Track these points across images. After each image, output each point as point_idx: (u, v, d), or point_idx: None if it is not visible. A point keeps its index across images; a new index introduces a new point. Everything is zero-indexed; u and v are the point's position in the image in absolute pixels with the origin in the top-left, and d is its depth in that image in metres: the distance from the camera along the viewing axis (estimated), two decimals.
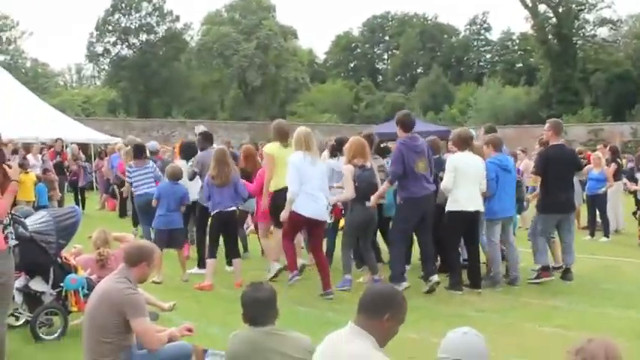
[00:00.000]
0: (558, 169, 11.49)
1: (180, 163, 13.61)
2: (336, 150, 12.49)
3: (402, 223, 10.89)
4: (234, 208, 11.51)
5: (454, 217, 10.85)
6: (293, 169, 10.29)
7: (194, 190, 12.79)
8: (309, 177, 10.30)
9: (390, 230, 11.44)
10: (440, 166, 11.39)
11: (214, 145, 13.41)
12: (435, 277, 10.67)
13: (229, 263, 12.02)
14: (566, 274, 11.67)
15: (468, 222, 10.90)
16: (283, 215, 10.44)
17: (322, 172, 10.64)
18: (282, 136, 11.59)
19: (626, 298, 10.50)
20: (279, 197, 11.00)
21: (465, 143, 11.06)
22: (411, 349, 7.11)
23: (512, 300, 10.33)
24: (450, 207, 10.87)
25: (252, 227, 14.33)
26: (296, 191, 10.23)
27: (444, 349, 3.85)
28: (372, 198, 10.76)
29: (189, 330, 6.52)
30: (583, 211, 18.18)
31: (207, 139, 13.46)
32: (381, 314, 4.13)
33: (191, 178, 12.84)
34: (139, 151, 14.60)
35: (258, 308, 5.09)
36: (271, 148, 11.59)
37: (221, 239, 11.59)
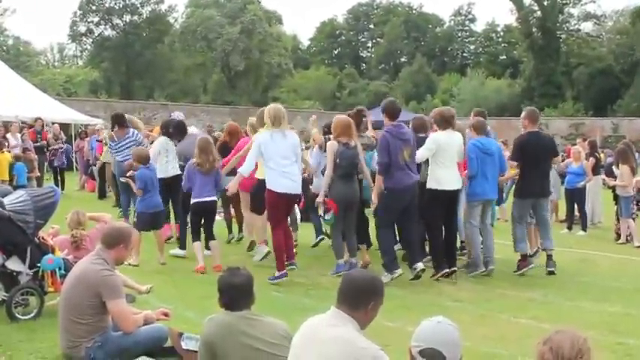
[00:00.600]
0: (534, 155, 11.54)
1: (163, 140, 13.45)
2: (326, 134, 12.50)
3: (385, 212, 10.80)
4: (214, 198, 11.58)
5: (435, 195, 10.88)
6: (255, 148, 10.48)
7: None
8: (279, 152, 10.36)
9: (375, 220, 11.39)
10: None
11: (193, 132, 13.40)
12: (420, 265, 10.62)
13: (207, 247, 12.03)
14: (548, 260, 11.73)
15: (447, 201, 10.96)
16: (231, 186, 10.89)
17: (293, 144, 10.63)
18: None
19: (600, 291, 10.58)
20: (263, 186, 11.04)
21: (447, 122, 11.01)
22: (386, 337, 7.11)
23: (488, 291, 10.38)
24: (430, 185, 10.89)
25: (233, 212, 14.30)
26: (247, 170, 10.60)
27: (417, 338, 3.86)
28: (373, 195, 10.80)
29: (166, 314, 6.54)
30: (561, 204, 18.28)
31: (181, 131, 13.40)
32: (365, 304, 4.18)
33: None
34: (118, 121, 14.49)
35: (234, 293, 5.10)
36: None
37: None
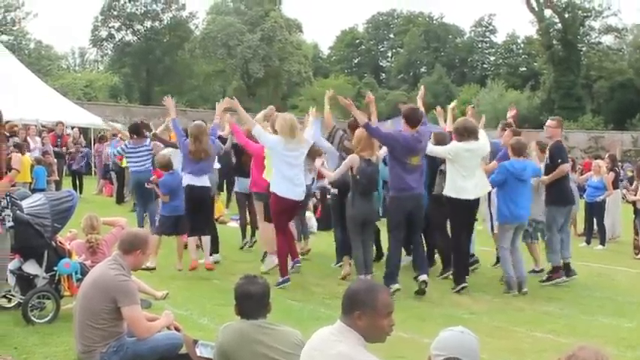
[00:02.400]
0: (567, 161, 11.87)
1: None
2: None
3: (390, 222, 10.74)
4: (208, 184, 11.76)
5: (453, 204, 10.83)
6: (268, 139, 10.69)
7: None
8: (288, 161, 10.46)
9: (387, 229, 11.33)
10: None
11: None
12: (424, 277, 10.54)
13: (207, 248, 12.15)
14: (568, 270, 11.79)
15: (466, 210, 10.93)
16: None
17: (302, 155, 10.74)
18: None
19: (617, 306, 10.51)
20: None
21: (469, 134, 10.84)
22: (401, 348, 7.10)
23: (504, 304, 10.33)
24: (449, 194, 10.82)
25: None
26: (257, 128, 10.82)
27: (439, 347, 3.84)
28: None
29: (177, 329, 6.54)
30: (580, 218, 18.19)
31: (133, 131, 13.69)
32: (351, 313, 4.11)
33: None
34: (136, 129, 14.59)
35: (251, 301, 5.09)
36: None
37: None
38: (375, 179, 11.00)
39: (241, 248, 13.76)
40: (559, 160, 11.74)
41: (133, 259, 6.12)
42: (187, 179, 11.58)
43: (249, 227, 13.96)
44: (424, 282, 10.51)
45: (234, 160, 14.13)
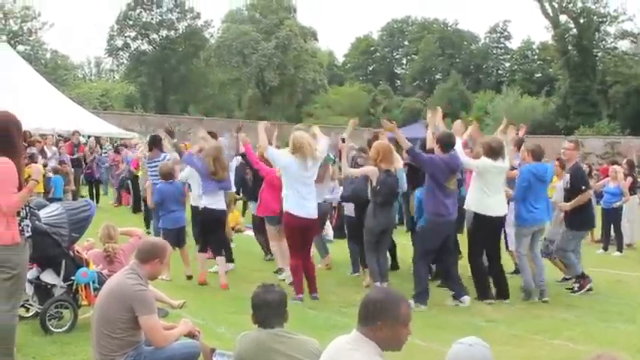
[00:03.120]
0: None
1: None
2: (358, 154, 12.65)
3: (424, 246, 10.74)
4: (224, 208, 11.69)
5: (479, 221, 10.80)
6: (281, 160, 10.55)
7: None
8: (301, 182, 10.37)
9: (414, 249, 11.24)
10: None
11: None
12: (467, 299, 10.53)
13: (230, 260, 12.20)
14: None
15: (492, 227, 10.88)
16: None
17: (313, 174, 10.63)
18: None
19: (635, 313, 10.45)
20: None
21: (495, 154, 10.75)
22: (418, 357, 7.10)
23: (522, 312, 10.29)
24: (476, 210, 10.81)
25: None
26: (270, 150, 10.70)
27: None
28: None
29: (196, 334, 6.54)
30: (597, 224, 18.09)
31: (151, 144, 13.69)
32: (373, 323, 4.11)
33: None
34: (152, 142, 14.62)
35: (268, 310, 5.10)
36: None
37: None
38: (395, 190, 11.03)
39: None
40: (582, 187, 11.64)
41: (150, 268, 6.13)
42: (205, 201, 11.54)
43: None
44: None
45: (248, 177, 14.30)
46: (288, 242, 10.84)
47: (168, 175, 12.09)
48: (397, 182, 11.08)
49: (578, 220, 11.73)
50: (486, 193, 10.69)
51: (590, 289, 11.60)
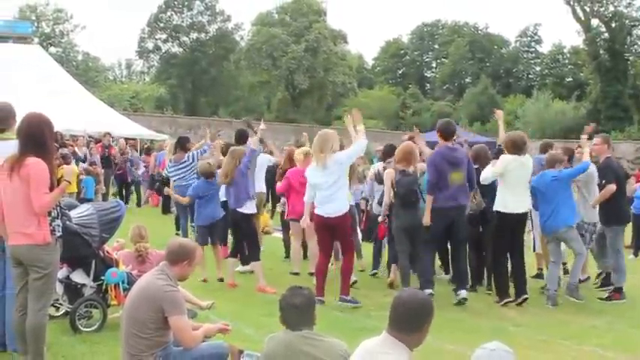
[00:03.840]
0: (621, 179, 11.67)
1: None
2: (386, 156, 12.64)
3: (428, 234, 10.85)
4: (244, 211, 11.53)
5: (502, 219, 10.79)
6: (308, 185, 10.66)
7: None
8: (320, 184, 10.34)
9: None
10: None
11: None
12: (464, 293, 10.64)
13: (244, 263, 12.20)
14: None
15: (515, 225, 10.86)
16: (302, 222, 10.91)
17: (332, 174, 10.41)
18: None
19: None
20: None
21: (517, 149, 10.77)
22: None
23: (550, 316, 10.24)
24: (497, 208, 10.81)
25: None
26: (308, 200, 10.66)
27: None
28: (426, 215, 10.69)
29: (226, 328, 6.56)
30: (627, 229, 17.94)
31: (240, 139, 13.52)
32: (419, 328, 4.16)
33: None
34: (178, 144, 14.81)
35: (295, 313, 5.11)
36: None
37: None
38: (413, 189, 10.99)
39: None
40: (603, 181, 11.59)
41: (179, 270, 6.16)
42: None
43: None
44: (464, 299, 10.61)
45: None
46: (318, 243, 10.89)
47: (207, 174, 12.15)
48: (416, 181, 11.06)
49: (611, 215, 11.64)
50: (509, 190, 10.70)
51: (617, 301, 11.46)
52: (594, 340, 8.93)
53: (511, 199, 10.67)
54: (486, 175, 10.83)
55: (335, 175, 10.26)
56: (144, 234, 9.50)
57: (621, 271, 11.64)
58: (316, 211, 10.43)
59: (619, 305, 11.20)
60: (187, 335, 6.03)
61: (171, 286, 6.02)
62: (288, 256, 14.08)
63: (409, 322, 4.18)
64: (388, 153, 12.57)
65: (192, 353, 6.05)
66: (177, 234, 15.27)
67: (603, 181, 11.55)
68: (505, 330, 9.19)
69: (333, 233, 10.56)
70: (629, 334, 9.43)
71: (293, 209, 12.38)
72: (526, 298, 10.73)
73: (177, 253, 6.19)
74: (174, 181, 14.37)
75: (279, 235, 15.11)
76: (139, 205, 22.29)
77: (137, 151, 27.24)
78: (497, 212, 10.81)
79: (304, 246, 13.34)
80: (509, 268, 11.11)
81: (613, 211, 11.60)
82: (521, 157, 10.76)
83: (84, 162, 20.48)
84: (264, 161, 13.84)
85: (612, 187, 11.40)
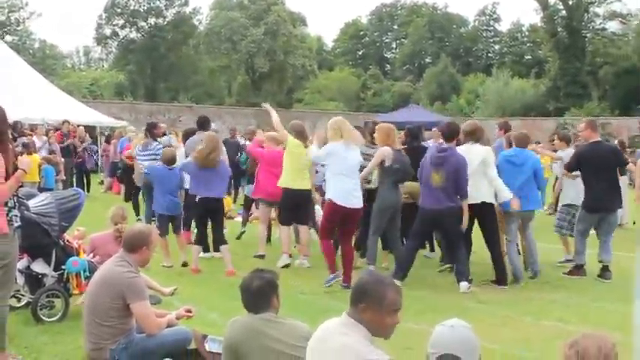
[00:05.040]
0: (593, 166, 11.43)
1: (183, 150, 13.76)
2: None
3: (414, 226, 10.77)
4: (220, 196, 11.58)
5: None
6: (323, 152, 10.48)
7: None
8: (347, 167, 10.28)
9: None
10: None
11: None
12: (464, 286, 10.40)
13: (216, 249, 12.16)
14: (604, 272, 11.65)
15: (475, 214, 10.80)
16: None
17: (355, 160, 10.50)
18: (303, 138, 11.73)
19: (625, 293, 10.42)
20: (292, 197, 11.18)
21: (469, 136, 10.85)
22: (410, 339, 7.11)
23: (512, 293, 10.32)
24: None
25: (255, 214, 14.41)
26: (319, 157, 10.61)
27: (433, 344, 3.84)
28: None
29: (189, 311, 6.56)
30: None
31: (201, 125, 13.52)
32: (356, 304, 4.13)
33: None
34: (146, 132, 14.80)
35: (256, 296, 5.10)
36: (294, 144, 11.71)
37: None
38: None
39: (238, 238, 14.21)
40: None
41: (139, 256, 6.14)
42: (200, 191, 11.50)
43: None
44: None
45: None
46: (322, 228, 10.75)
47: (170, 161, 12.06)
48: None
49: (585, 201, 11.69)
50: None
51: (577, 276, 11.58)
52: (555, 315, 9.03)
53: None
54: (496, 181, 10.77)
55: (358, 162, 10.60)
56: (125, 215, 9.49)
57: (579, 251, 11.78)
58: (341, 202, 10.26)
59: (580, 280, 11.33)
60: (150, 321, 6.02)
61: (132, 273, 6.00)
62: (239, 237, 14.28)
63: (352, 298, 4.18)
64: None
65: (154, 339, 6.04)
66: (138, 219, 15.23)
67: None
68: (468, 307, 9.26)
69: (348, 221, 10.60)
70: (589, 308, 9.54)
71: (264, 189, 12.35)
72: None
73: (134, 240, 6.17)
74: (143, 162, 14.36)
75: (239, 219, 15.16)
76: (88, 190, 22.06)
77: (91, 138, 26.95)
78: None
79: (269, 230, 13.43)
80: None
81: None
82: (471, 146, 10.78)
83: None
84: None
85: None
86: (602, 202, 11.55)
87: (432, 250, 13.14)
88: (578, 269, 11.68)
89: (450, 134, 10.68)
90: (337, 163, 10.26)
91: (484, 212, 10.81)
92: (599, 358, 3.26)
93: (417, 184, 10.89)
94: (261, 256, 12.36)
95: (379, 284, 4.21)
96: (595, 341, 3.34)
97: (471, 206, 10.52)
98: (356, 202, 10.36)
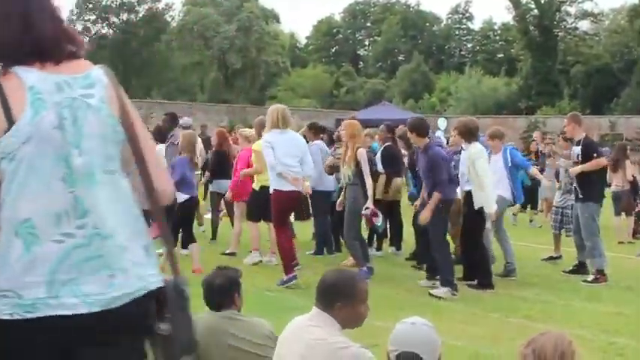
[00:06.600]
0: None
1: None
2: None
3: (440, 225, 10.24)
4: (195, 194, 11.54)
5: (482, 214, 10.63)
6: (269, 150, 10.22)
7: None
8: (288, 153, 10.23)
9: (432, 236, 10.51)
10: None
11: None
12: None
13: (184, 247, 12.08)
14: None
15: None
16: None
17: (300, 145, 10.57)
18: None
19: (592, 291, 10.53)
20: (262, 194, 11.10)
21: (472, 134, 10.59)
22: (375, 336, 7.07)
23: (480, 290, 10.34)
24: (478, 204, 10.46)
25: (224, 211, 14.34)
26: (274, 164, 10.22)
27: (393, 342, 3.84)
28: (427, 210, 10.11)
29: None
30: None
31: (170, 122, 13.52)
32: (331, 304, 4.13)
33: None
34: None
35: (217, 293, 5.06)
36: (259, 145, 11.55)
37: None
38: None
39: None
40: (594, 155, 11.28)
41: None
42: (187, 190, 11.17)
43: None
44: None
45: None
46: (276, 220, 10.61)
47: None
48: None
49: (594, 191, 11.41)
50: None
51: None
52: (523, 312, 9.08)
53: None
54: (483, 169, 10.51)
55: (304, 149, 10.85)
56: None
57: (598, 253, 11.28)
58: (288, 188, 10.24)
59: (549, 278, 11.40)
60: None
61: None
62: (214, 237, 14.20)
63: (323, 296, 4.19)
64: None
65: None
66: None
67: (594, 155, 11.34)
68: (435, 305, 9.27)
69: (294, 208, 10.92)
70: (557, 306, 9.58)
71: (243, 190, 12.29)
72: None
73: None
74: None
75: (209, 216, 15.09)
76: None
77: None
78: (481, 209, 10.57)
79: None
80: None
81: (595, 187, 11.47)
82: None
83: None
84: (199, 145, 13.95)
85: (603, 161, 11.55)
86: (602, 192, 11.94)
87: (399, 248, 13.18)
88: (603, 275, 11.21)
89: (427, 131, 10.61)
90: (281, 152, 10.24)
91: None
92: (554, 356, 3.26)
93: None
94: (233, 254, 12.33)
95: (348, 280, 4.29)
96: (552, 339, 3.34)
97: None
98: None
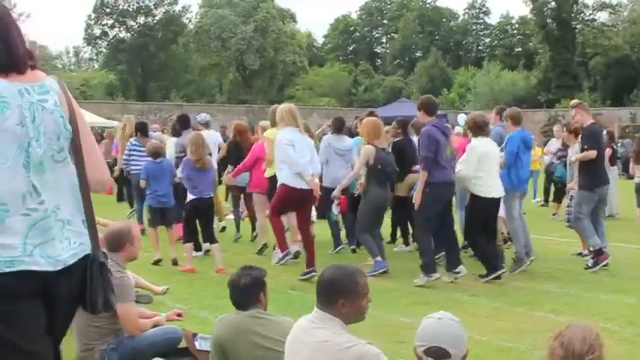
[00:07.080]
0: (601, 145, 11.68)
1: (171, 140, 13.76)
2: (336, 128, 12.61)
3: (427, 210, 10.16)
4: (211, 195, 11.44)
5: (480, 202, 10.57)
6: (288, 147, 10.26)
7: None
8: (299, 151, 10.29)
9: (415, 219, 10.97)
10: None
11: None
12: (463, 269, 10.37)
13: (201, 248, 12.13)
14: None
15: (491, 209, 10.70)
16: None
17: (310, 146, 10.68)
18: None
19: (617, 282, 10.48)
20: (275, 182, 11.08)
21: (480, 129, 10.62)
22: (402, 333, 7.09)
23: (504, 284, 10.29)
24: (476, 192, 10.52)
25: (246, 212, 14.35)
26: (296, 163, 10.27)
27: (420, 337, 3.84)
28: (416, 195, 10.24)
29: (179, 315, 6.55)
30: None
31: (184, 123, 13.57)
32: (334, 302, 4.12)
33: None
34: (141, 129, 14.72)
35: (242, 292, 5.10)
36: (272, 133, 11.56)
37: None
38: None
39: (235, 241, 13.96)
40: (585, 146, 11.48)
41: (124, 254, 6.15)
42: (191, 191, 11.31)
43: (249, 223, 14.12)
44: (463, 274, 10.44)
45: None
46: (273, 207, 10.74)
47: (155, 154, 12.02)
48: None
49: (587, 180, 11.52)
50: (487, 172, 10.51)
51: (606, 265, 11.32)
52: (548, 306, 9.00)
53: (489, 183, 10.47)
54: (468, 172, 10.51)
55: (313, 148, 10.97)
56: (101, 221, 9.41)
57: (586, 233, 11.58)
58: (296, 185, 10.34)
59: (572, 270, 11.33)
60: (132, 323, 6.04)
61: (120, 273, 5.98)
62: (238, 230, 14.28)
63: (324, 295, 4.17)
64: (339, 127, 12.62)
65: (144, 339, 6.03)
66: (132, 212, 15.37)
67: (585, 147, 11.48)
68: (460, 300, 9.24)
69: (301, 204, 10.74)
70: (582, 298, 9.51)
71: (258, 183, 12.34)
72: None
73: (115, 240, 6.17)
74: (132, 165, 14.31)
75: (232, 216, 15.11)
76: None
77: None
78: (476, 196, 10.59)
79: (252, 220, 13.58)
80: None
81: (589, 177, 11.52)
82: (486, 140, 10.69)
83: None
84: (216, 140, 14.02)
85: (592, 154, 11.42)
86: (607, 178, 11.87)
87: (407, 244, 13.09)
88: (601, 254, 11.42)
89: (435, 109, 10.66)
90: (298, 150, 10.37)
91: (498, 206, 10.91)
92: (583, 349, 3.26)
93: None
94: (264, 247, 12.45)
95: (349, 275, 4.25)
96: (579, 331, 3.34)
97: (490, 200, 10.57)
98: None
